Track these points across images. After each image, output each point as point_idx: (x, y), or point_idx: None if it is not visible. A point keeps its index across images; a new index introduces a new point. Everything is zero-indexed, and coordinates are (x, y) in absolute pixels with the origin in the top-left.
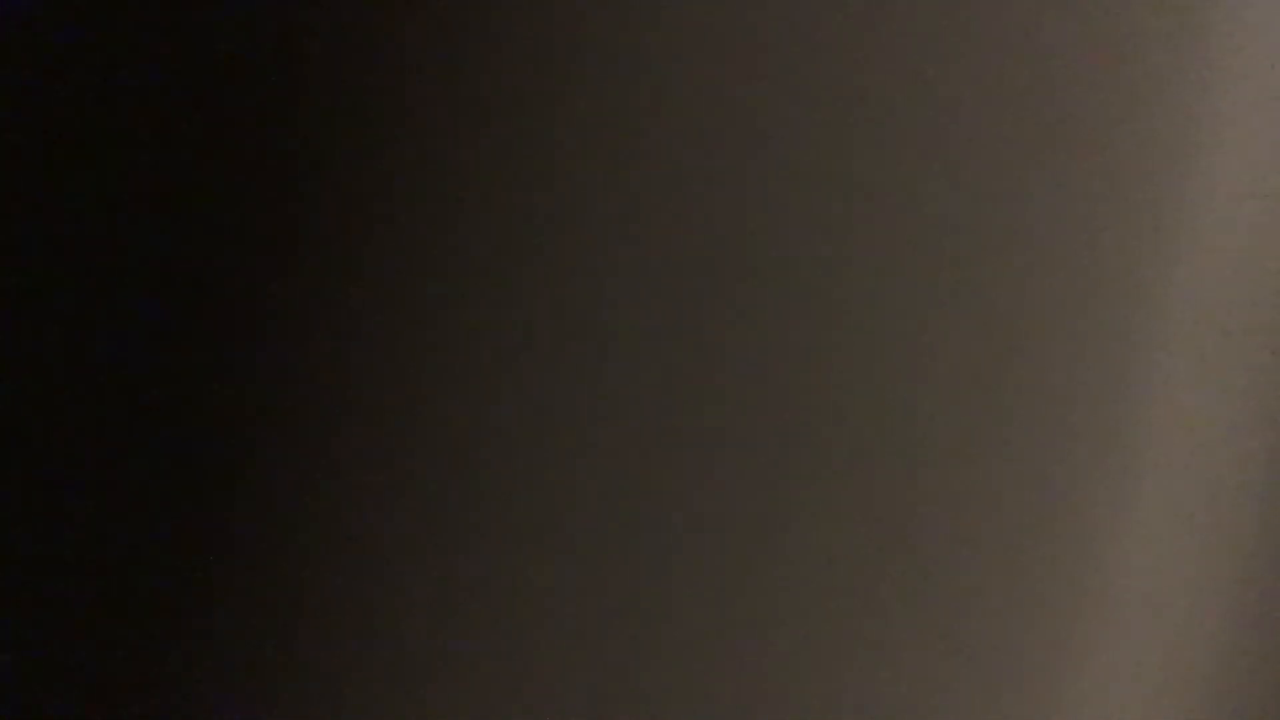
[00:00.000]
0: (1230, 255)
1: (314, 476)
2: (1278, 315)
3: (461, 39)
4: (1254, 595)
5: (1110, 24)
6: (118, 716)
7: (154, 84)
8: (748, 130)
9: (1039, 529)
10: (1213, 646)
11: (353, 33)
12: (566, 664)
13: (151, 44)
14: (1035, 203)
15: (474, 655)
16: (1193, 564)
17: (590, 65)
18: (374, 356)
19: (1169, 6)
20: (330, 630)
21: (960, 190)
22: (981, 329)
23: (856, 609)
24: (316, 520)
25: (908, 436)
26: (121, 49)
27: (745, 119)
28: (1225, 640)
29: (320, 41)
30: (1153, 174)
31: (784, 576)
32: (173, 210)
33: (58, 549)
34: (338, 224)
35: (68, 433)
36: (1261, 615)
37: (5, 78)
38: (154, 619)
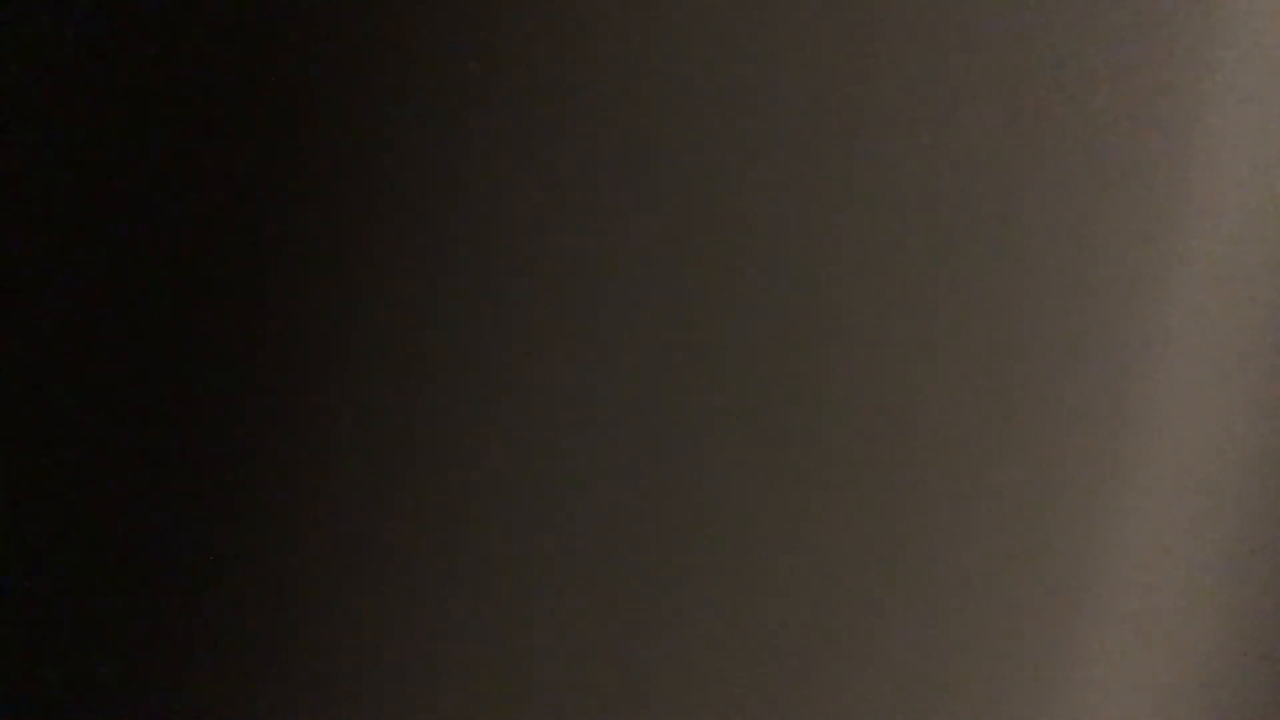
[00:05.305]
0: (1230, 255)
1: (313, 476)
2: (1278, 315)
3: (460, 36)
4: (1255, 597)
5: (1110, 23)
6: (116, 716)
7: (151, 80)
8: (747, 128)
9: (1038, 529)
10: (1212, 648)
11: (351, 30)
12: (564, 664)
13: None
14: (1035, 202)
15: (474, 655)
16: (1193, 565)
17: (589, 62)
18: (373, 355)
19: (1169, 6)
20: (329, 631)
21: (959, 190)
22: (980, 329)
23: (855, 607)
24: (315, 520)
25: (907, 435)
26: (120, 46)
27: (744, 116)
28: (1225, 641)
29: (319, 38)
30: (1153, 173)
31: (783, 576)
32: (171, 209)
33: (57, 547)
34: (337, 221)
35: (66, 432)
36: (1261, 616)
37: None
38: (151, 619)
